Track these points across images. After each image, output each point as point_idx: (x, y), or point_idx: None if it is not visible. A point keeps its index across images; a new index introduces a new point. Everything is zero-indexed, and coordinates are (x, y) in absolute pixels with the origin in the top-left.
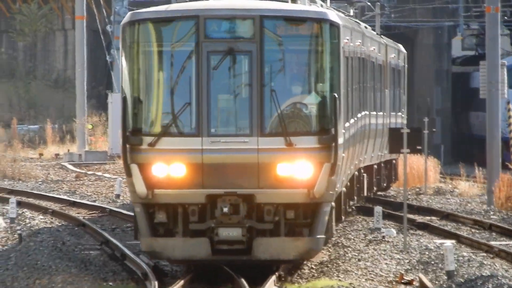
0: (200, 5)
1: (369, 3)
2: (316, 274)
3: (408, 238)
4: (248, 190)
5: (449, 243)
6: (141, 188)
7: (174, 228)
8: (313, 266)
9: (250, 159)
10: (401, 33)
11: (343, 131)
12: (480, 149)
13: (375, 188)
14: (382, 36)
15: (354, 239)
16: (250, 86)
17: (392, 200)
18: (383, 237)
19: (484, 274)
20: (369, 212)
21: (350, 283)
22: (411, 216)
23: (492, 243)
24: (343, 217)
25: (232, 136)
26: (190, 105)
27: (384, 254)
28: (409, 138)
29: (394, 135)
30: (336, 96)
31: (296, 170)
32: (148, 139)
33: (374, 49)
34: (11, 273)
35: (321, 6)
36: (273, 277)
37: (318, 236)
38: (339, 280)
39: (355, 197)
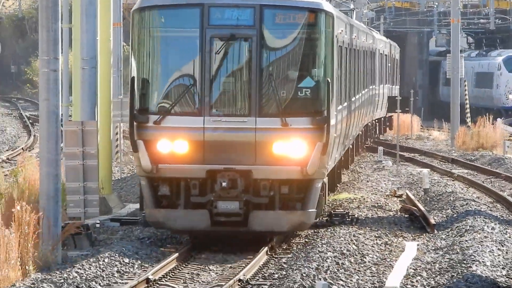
0: None
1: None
2: (340, 190)
3: (400, 167)
4: (246, 166)
5: (425, 170)
6: (146, 163)
7: (177, 200)
8: (338, 185)
9: (248, 137)
10: (397, 35)
11: (335, 113)
12: (446, 110)
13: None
14: (378, 34)
15: (364, 168)
16: (250, 70)
17: (389, 142)
18: (383, 166)
19: (448, 190)
20: (374, 150)
21: (361, 196)
22: (401, 153)
23: (453, 171)
24: (337, 186)
25: (232, 116)
26: (193, 87)
27: (383, 178)
28: (401, 103)
29: (391, 100)
30: (329, 80)
31: (291, 148)
32: (153, 118)
33: (378, 45)
34: None
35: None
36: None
37: (310, 210)
38: (355, 194)
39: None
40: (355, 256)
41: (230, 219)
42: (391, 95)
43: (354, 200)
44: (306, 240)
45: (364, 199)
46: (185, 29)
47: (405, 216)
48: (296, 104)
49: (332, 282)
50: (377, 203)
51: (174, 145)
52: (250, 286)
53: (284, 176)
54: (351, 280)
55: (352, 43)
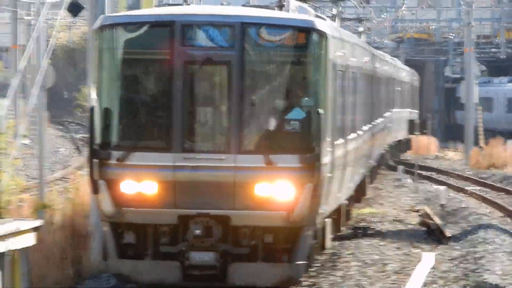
0: (177, 10)
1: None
2: (363, 206)
3: (418, 184)
4: (223, 212)
5: (442, 187)
6: (108, 206)
7: (144, 250)
8: (362, 200)
9: (226, 177)
10: (416, 64)
11: (330, 148)
12: (460, 132)
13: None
14: (396, 60)
15: (386, 185)
16: (228, 99)
17: (409, 162)
18: (403, 184)
19: (462, 206)
20: (395, 169)
21: (383, 211)
22: (420, 171)
23: (467, 188)
24: (342, 228)
25: (207, 153)
26: (162, 118)
27: (403, 194)
28: (420, 125)
29: (411, 123)
30: (321, 112)
31: (276, 191)
32: (117, 154)
33: (395, 71)
34: None
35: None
36: None
37: (299, 263)
38: (377, 209)
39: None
40: (377, 265)
41: (204, 273)
42: (410, 119)
43: (376, 215)
44: (333, 251)
45: (385, 213)
46: (153, 51)
47: (423, 229)
48: (282, 139)
49: None
50: (397, 217)
51: (140, 186)
52: None
53: (268, 223)
54: (373, 287)
55: (362, 67)
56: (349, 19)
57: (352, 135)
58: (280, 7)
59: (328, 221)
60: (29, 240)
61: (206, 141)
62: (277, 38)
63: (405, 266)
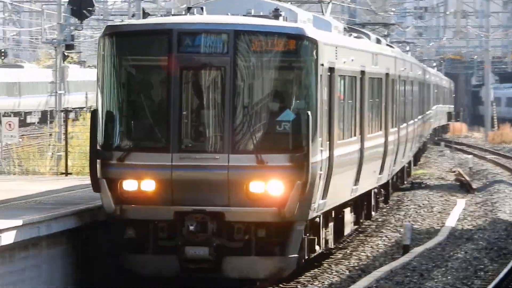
0: (175, 19)
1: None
2: (418, 168)
3: (454, 154)
4: (218, 208)
5: (470, 156)
6: (109, 204)
7: (144, 244)
8: (417, 164)
9: (220, 176)
10: (453, 75)
11: (321, 148)
12: (481, 120)
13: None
14: (440, 73)
15: (432, 154)
16: (222, 102)
17: (448, 139)
18: (444, 154)
19: (483, 168)
20: (439, 144)
21: (431, 171)
22: (455, 145)
23: (487, 156)
24: (405, 183)
25: (203, 153)
26: (161, 120)
27: (444, 160)
28: (455, 115)
29: (448, 114)
30: (310, 114)
31: (267, 188)
32: (118, 154)
33: (438, 79)
34: None
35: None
36: None
37: (291, 256)
38: (427, 170)
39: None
40: (427, 208)
41: (199, 266)
42: (448, 111)
43: (427, 174)
44: (398, 198)
45: (432, 173)
46: (152, 57)
47: (458, 183)
48: (273, 140)
49: (413, 223)
50: (440, 176)
51: (139, 184)
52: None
53: (260, 218)
54: (424, 222)
55: (401, 75)
56: (398, 42)
57: (411, 121)
58: (276, 16)
59: (347, 210)
60: None
61: (201, 142)
62: (268, 44)
63: (446, 208)
